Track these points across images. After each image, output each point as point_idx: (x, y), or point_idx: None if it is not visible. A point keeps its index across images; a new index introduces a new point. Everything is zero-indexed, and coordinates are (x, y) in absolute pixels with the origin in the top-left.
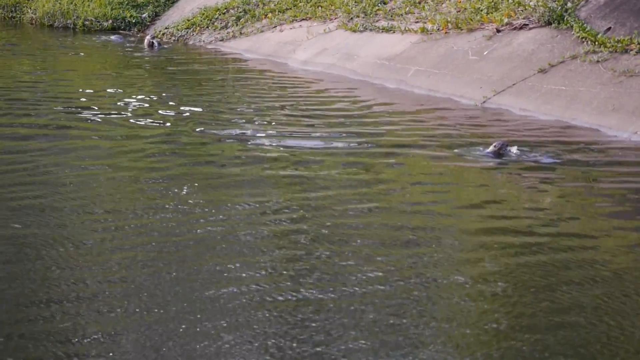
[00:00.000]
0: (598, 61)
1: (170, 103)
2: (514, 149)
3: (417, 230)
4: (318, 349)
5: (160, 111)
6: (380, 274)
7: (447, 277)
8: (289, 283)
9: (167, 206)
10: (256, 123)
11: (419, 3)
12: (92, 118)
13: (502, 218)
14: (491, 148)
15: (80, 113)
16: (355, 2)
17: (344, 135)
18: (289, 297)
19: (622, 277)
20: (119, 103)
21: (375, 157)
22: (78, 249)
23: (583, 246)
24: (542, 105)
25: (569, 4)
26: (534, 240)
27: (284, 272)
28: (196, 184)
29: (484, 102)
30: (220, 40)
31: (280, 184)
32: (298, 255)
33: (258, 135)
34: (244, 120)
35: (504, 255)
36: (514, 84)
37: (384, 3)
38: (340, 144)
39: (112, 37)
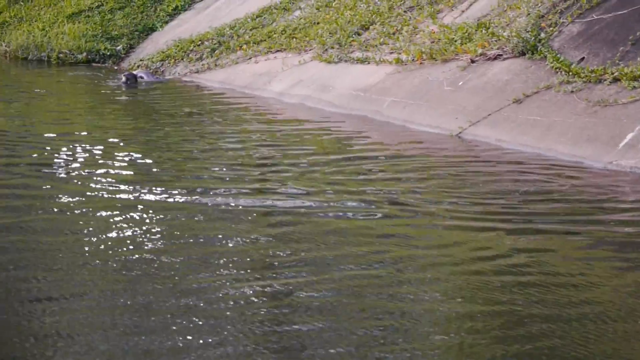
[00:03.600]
0: (572, 91)
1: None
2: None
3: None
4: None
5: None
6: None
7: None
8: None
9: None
10: (232, 171)
11: (393, 34)
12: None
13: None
14: None
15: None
16: (329, 33)
17: (328, 182)
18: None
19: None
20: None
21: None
22: None
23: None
24: (517, 136)
25: (542, 35)
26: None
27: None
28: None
29: (460, 132)
30: (196, 72)
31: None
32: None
33: (230, 190)
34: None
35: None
36: (489, 115)
37: (358, 34)
38: (322, 198)
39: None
